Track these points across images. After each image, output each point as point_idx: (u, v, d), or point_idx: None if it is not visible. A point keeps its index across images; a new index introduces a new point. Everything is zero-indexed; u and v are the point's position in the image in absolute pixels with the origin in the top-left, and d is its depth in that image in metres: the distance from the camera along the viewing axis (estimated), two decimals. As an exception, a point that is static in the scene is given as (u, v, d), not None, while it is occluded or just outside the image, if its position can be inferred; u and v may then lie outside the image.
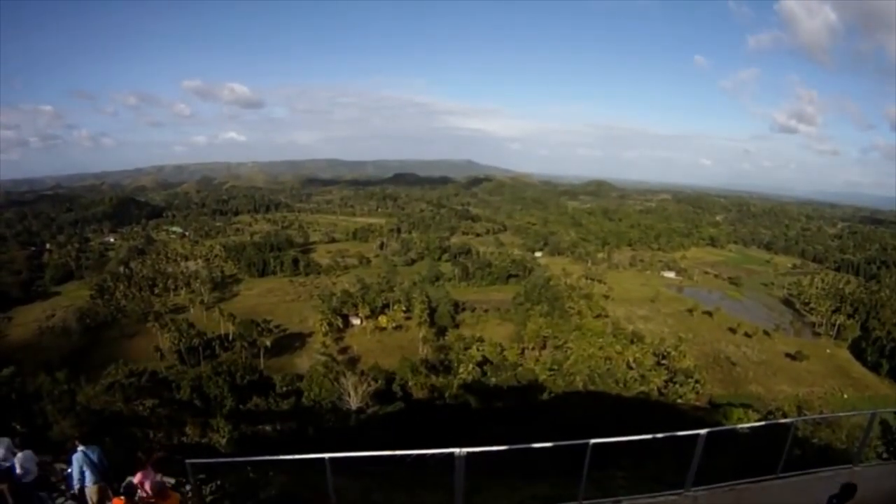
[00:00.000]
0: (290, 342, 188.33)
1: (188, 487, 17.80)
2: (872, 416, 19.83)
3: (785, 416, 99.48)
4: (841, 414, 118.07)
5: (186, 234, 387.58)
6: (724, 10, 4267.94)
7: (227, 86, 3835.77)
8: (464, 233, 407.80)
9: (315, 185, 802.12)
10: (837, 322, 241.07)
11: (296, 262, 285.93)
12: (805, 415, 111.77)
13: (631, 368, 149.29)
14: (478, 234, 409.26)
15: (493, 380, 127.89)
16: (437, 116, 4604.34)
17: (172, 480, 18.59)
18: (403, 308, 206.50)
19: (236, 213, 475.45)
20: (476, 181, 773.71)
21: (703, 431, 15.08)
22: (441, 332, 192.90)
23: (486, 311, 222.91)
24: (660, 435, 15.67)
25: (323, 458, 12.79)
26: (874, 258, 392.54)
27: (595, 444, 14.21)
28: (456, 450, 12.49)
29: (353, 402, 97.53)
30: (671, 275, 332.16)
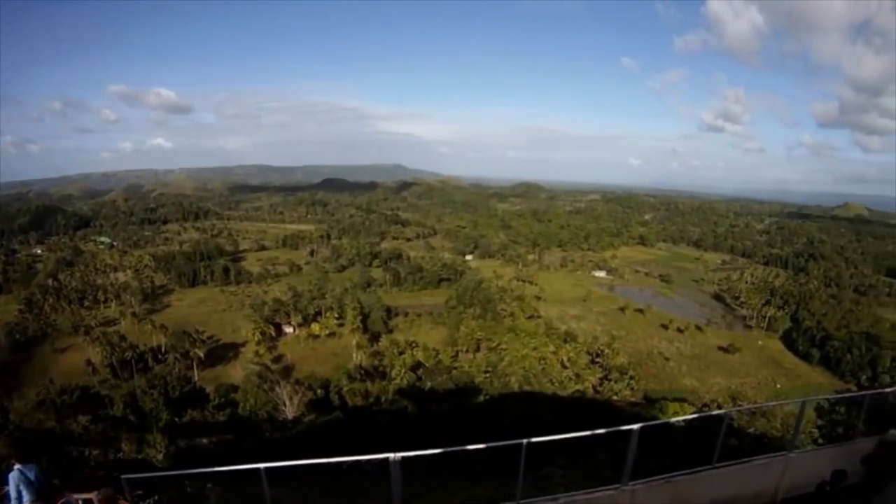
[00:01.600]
0: (224, 352, 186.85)
1: None
2: (802, 404, 20.75)
3: (719, 408, 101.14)
4: (772, 403, 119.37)
5: (115, 244, 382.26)
6: (652, 12, 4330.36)
7: (153, 91, 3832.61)
8: (394, 238, 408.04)
9: (244, 191, 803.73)
10: (768, 314, 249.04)
11: (226, 270, 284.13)
12: (739, 405, 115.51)
13: (565, 368, 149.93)
14: (408, 239, 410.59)
15: (429, 384, 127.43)
16: (366, 121, 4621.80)
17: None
18: (336, 315, 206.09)
19: (165, 222, 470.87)
20: (405, 185, 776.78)
21: (635, 426, 15.35)
22: (374, 337, 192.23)
23: (418, 315, 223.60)
24: (594, 432, 15.89)
25: (258, 469, 12.98)
26: (802, 252, 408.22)
27: (532, 444, 14.38)
28: (390, 454, 12.64)
29: (290, 412, 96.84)
30: (602, 274, 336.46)
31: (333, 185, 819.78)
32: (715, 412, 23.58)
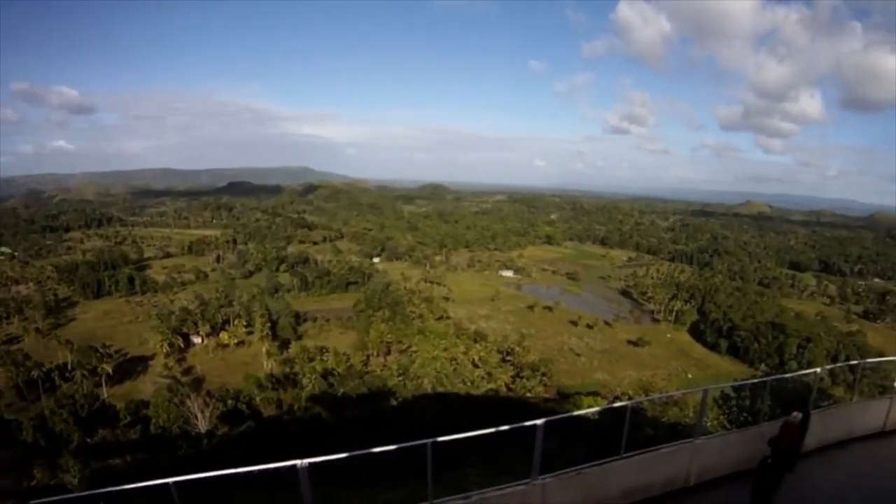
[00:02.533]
0: (132, 367, 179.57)
1: None
2: (705, 393, 21.25)
3: (630, 400, 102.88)
4: (677, 392, 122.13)
5: (16, 254, 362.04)
6: (561, 16, 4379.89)
7: (55, 90, 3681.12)
8: (301, 241, 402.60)
9: (148, 196, 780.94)
10: (675, 308, 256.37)
11: (131, 280, 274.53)
12: (647, 396, 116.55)
13: (477, 367, 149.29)
14: (315, 243, 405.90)
15: (342, 390, 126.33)
16: (273, 122, 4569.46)
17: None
18: (244, 323, 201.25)
19: (67, 230, 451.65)
20: (312, 188, 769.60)
21: (539, 422, 15.40)
22: (284, 344, 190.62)
23: (327, 320, 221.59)
24: (498, 429, 15.84)
25: (168, 484, 12.81)
26: (706, 247, 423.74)
27: (446, 444, 14.46)
28: (298, 461, 12.59)
29: (202, 426, 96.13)
30: (509, 273, 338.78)
31: (239, 189, 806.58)
32: (619, 404, 23.92)
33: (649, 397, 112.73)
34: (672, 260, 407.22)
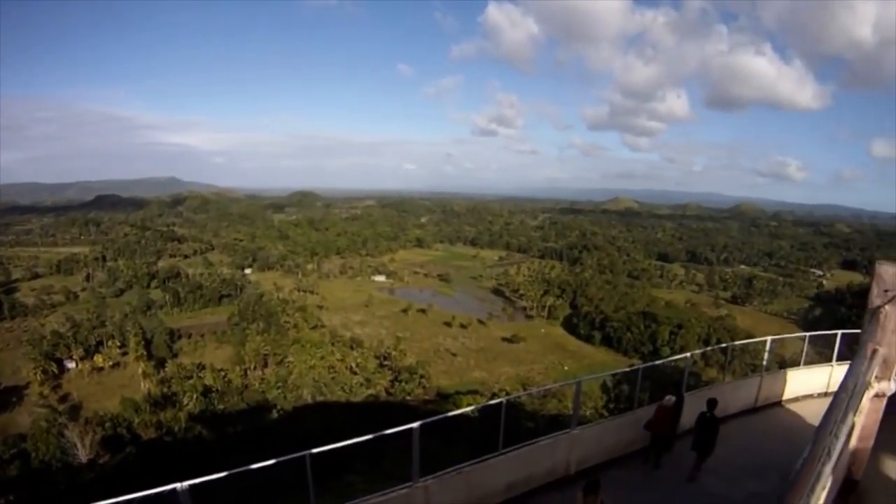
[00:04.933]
0: (6, 398, 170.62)
1: None
2: (578, 385, 21.56)
3: (508, 395, 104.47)
4: (551, 385, 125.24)
5: None
6: (430, 19, 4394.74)
7: None
8: (171, 255, 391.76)
9: (13, 213, 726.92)
10: (547, 304, 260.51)
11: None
12: (527, 391, 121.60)
13: (355, 374, 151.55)
14: (185, 256, 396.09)
15: (222, 406, 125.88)
16: (139, 131, 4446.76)
17: None
18: (118, 343, 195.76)
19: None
20: (180, 199, 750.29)
21: (415, 424, 15.80)
22: (160, 363, 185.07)
23: (202, 335, 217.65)
24: (375, 434, 15.98)
25: None
26: (575, 244, 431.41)
27: (325, 453, 14.61)
28: (178, 484, 12.48)
29: (83, 455, 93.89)
30: (382, 278, 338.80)
31: (107, 203, 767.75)
32: (495, 401, 24.75)
33: (525, 392, 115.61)
34: (542, 257, 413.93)
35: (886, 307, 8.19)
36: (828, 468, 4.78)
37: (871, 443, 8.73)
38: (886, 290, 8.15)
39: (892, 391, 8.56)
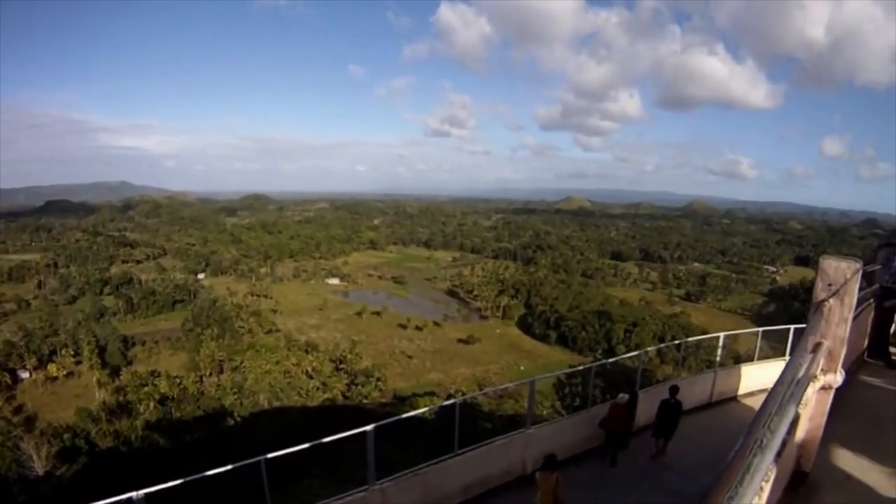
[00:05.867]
0: None
1: None
2: (532, 384, 21.96)
3: (463, 396, 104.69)
4: (505, 385, 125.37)
5: None
6: (383, 20, 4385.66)
7: None
8: (123, 261, 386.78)
9: None
10: (502, 304, 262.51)
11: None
12: (482, 391, 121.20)
13: (311, 378, 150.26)
14: (138, 262, 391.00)
15: (178, 414, 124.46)
16: (90, 134, 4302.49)
17: None
18: (72, 352, 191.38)
19: None
20: (131, 204, 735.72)
21: (369, 427, 15.84)
22: (115, 372, 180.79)
23: (156, 342, 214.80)
24: (331, 438, 16.00)
25: None
26: (529, 244, 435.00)
27: (284, 459, 14.65)
28: (133, 493, 12.39)
29: (39, 467, 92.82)
30: (336, 281, 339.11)
31: (58, 208, 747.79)
32: (448, 402, 25.04)
33: (480, 392, 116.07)
34: (496, 258, 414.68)
35: (830, 301, 8.42)
36: (759, 460, 4.92)
37: (819, 434, 8.93)
38: (830, 284, 8.39)
39: (839, 383, 8.78)
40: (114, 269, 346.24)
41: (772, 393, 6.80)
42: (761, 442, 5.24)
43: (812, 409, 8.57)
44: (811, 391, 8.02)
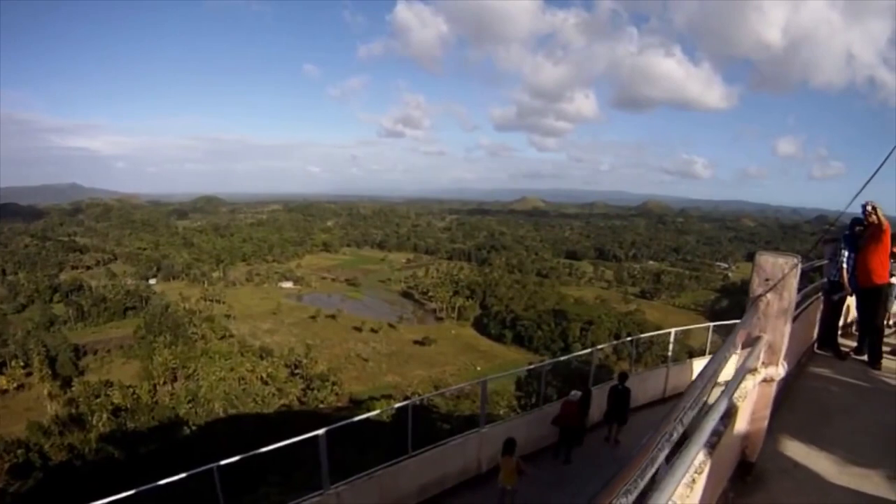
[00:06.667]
0: None
1: None
2: (483, 384, 21.86)
3: (420, 398, 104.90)
4: (459, 386, 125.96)
5: None
6: (338, 18, 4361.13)
7: None
8: (73, 267, 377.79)
9: None
10: (457, 305, 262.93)
11: None
12: (437, 392, 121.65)
13: (266, 384, 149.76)
14: (88, 267, 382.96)
15: (133, 425, 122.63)
16: (39, 135, 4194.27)
17: None
18: (22, 363, 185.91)
19: None
20: (81, 207, 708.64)
21: (321, 431, 15.71)
22: (67, 383, 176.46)
23: (108, 351, 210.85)
24: (282, 443, 15.65)
25: None
26: (483, 244, 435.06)
27: (238, 466, 14.79)
28: None
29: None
30: (289, 285, 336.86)
31: (6, 211, 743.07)
32: (400, 404, 24.79)
33: (435, 393, 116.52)
34: (450, 258, 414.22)
35: (768, 296, 8.62)
36: (663, 455, 5.08)
37: (763, 425, 9.11)
38: (767, 280, 8.59)
39: (781, 376, 8.98)
40: (63, 276, 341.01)
41: (689, 388, 6.94)
42: (670, 436, 5.39)
43: (754, 401, 8.75)
44: (751, 384, 8.21)
